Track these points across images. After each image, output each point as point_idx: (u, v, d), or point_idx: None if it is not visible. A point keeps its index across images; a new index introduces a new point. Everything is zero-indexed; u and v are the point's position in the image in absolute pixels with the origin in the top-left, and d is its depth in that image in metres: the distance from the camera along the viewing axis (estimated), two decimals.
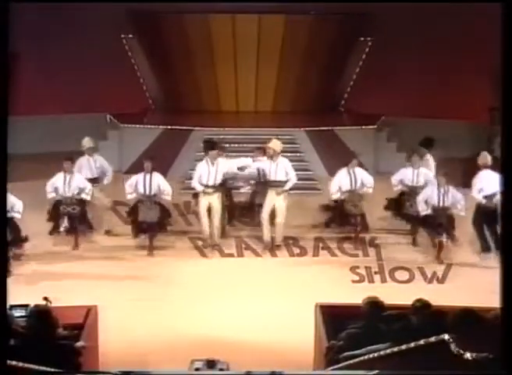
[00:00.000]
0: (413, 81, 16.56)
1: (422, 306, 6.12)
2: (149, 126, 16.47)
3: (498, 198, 10.30)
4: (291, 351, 8.00)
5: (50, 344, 5.95)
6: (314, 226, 12.31)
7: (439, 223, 10.88)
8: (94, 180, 11.80)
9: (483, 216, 10.83)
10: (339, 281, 10.12)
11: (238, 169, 11.63)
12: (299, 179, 12.00)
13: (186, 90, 17.57)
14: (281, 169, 11.42)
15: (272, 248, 11.46)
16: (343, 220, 11.72)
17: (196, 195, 11.62)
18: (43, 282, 9.90)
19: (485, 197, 10.75)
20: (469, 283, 9.96)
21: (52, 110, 16.75)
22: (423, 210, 10.95)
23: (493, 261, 9.69)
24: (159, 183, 11.26)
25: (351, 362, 5.77)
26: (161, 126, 16.12)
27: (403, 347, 5.26)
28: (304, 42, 16.77)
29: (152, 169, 11.28)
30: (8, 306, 5.81)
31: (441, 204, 10.82)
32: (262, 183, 11.67)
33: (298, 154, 14.86)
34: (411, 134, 15.93)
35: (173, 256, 11.31)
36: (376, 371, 5.08)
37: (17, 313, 6.50)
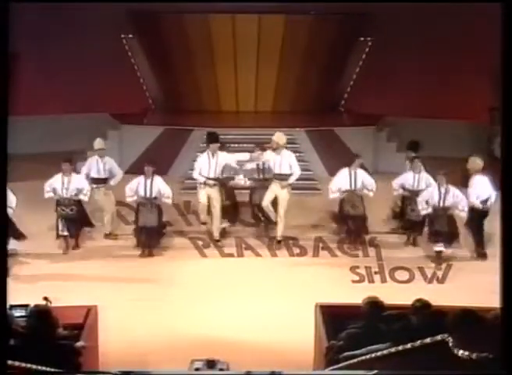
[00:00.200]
0: (413, 81, 16.57)
1: (422, 306, 6.12)
2: (149, 126, 16.48)
3: (492, 201, 10.37)
4: (291, 351, 8.00)
5: (50, 344, 5.95)
6: (314, 226, 12.32)
7: (437, 230, 10.83)
8: (102, 181, 11.82)
9: (478, 220, 10.87)
10: (339, 281, 10.12)
11: (238, 163, 11.72)
12: (299, 179, 12.00)
13: (186, 90, 17.57)
14: (285, 162, 11.53)
15: (273, 245, 11.51)
16: (340, 221, 11.70)
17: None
18: (43, 282, 9.90)
19: (481, 202, 10.75)
20: (469, 283, 9.97)
21: (52, 110, 16.75)
22: (423, 209, 10.93)
23: (493, 261, 9.77)
24: (159, 187, 11.28)
25: (351, 362, 5.77)
26: (161, 126, 16.13)
27: (403, 347, 5.26)
28: (304, 42, 16.78)
29: (153, 173, 11.30)
30: (8, 306, 5.80)
31: (441, 204, 10.81)
32: (262, 180, 11.74)
33: (298, 154, 14.81)
34: (411, 134, 15.96)
35: (173, 256, 11.32)
36: (376, 371, 5.08)
37: (17, 313, 6.50)
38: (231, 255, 11.27)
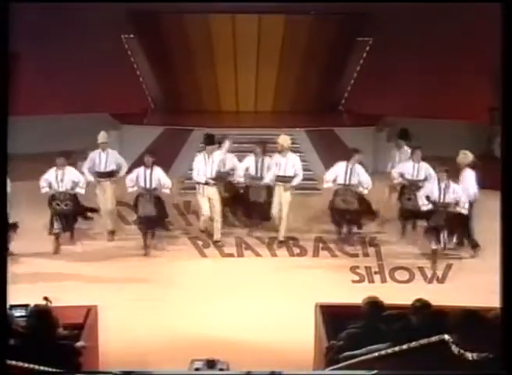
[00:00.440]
0: (413, 81, 16.58)
1: (422, 306, 6.12)
2: (149, 126, 16.48)
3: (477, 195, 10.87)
4: (291, 351, 8.00)
5: (50, 344, 5.95)
6: (314, 226, 12.33)
7: (435, 226, 10.80)
8: (106, 175, 11.82)
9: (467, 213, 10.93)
10: (339, 281, 10.12)
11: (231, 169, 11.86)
12: None
13: (186, 90, 17.58)
14: (289, 164, 11.66)
15: (275, 244, 11.54)
16: (332, 215, 11.64)
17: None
18: (43, 282, 9.90)
19: (469, 195, 10.85)
20: (469, 284, 9.97)
21: (52, 110, 16.76)
22: (423, 205, 10.89)
23: (493, 261, 9.75)
24: (159, 177, 11.32)
25: (351, 362, 5.77)
26: (161, 126, 16.13)
27: (403, 347, 5.26)
28: (304, 42, 16.79)
29: (153, 163, 11.32)
30: (8, 306, 5.80)
31: (441, 200, 10.79)
32: (259, 179, 11.81)
33: (298, 154, 14.81)
34: (411, 134, 15.96)
35: (173, 256, 11.32)
36: (376, 371, 5.08)
37: (17, 313, 6.49)
38: (231, 255, 11.27)
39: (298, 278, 10.38)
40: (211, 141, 11.73)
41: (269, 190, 11.83)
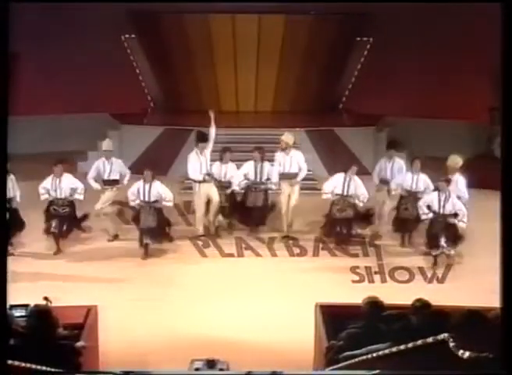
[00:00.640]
0: (413, 81, 16.57)
1: (422, 306, 6.12)
2: (149, 126, 16.48)
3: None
4: (291, 351, 8.00)
5: (50, 344, 5.95)
6: (314, 226, 12.32)
7: (435, 233, 10.75)
8: (111, 183, 11.81)
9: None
10: (339, 281, 10.12)
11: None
12: None
13: (186, 90, 17.58)
14: (294, 161, 11.94)
15: (276, 241, 11.66)
16: (329, 225, 11.61)
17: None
18: (43, 282, 9.90)
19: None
20: (469, 283, 9.97)
21: (52, 110, 16.76)
22: (424, 214, 10.88)
23: (493, 261, 9.74)
24: (159, 191, 11.27)
25: (351, 362, 5.77)
26: (161, 126, 16.13)
27: (403, 347, 5.27)
28: (304, 42, 16.78)
29: (152, 177, 11.29)
30: (8, 306, 5.80)
31: (441, 211, 10.77)
32: (259, 184, 11.88)
33: None
34: (411, 134, 15.98)
35: (173, 256, 11.33)
36: (376, 371, 5.09)
37: (17, 313, 6.50)
38: (231, 255, 11.26)
39: (298, 278, 10.38)
40: (202, 138, 11.88)
41: (266, 194, 11.98)
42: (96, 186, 11.77)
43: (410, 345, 5.20)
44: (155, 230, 11.20)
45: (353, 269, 10.38)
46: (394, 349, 5.39)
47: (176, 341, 8.38)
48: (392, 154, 12.11)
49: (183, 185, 13.86)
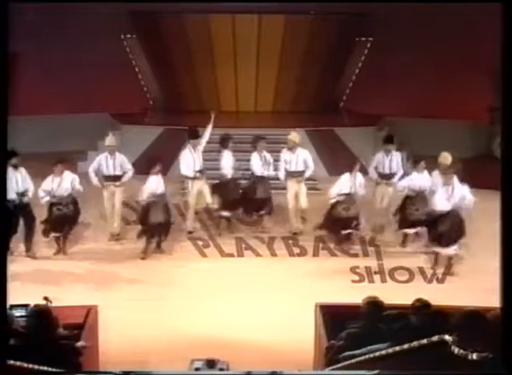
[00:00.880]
0: (413, 81, 16.56)
1: (422, 306, 6.12)
2: (149, 126, 16.48)
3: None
4: (291, 351, 8.01)
5: (50, 343, 5.95)
6: (314, 226, 12.33)
7: (442, 231, 10.67)
8: (113, 178, 11.79)
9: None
10: (339, 281, 10.13)
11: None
12: None
13: (186, 90, 17.58)
14: (300, 160, 12.09)
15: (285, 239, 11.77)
16: (333, 224, 11.61)
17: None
18: (43, 282, 9.90)
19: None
20: (469, 284, 9.97)
21: (52, 110, 16.75)
22: (444, 206, 10.62)
23: (493, 261, 9.74)
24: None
25: (351, 362, 5.77)
26: (161, 126, 16.12)
27: (403, 347, 5.27)
28: (304, 42, 16.78)
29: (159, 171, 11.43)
30: (8, 306, 5.81)
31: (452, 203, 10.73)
32: (259, 178, 12.04)
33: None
34: (411, 134, 15.97)
35: (173, 256, 11.33)
36: (376, 371, 5.09)
37: (17, 313, 6.50)
38: (231, 255, 11.27)
39: (298, 278, 10.38)
40: (194, 135, 12.07)
41: (268, 185, 12.23)
42: (95, 181, 11.74)
43: (410, 345, 5.20)
44: (163, 225, 11.21)
45: (353, 269, 10.38)
46: (394, 349, 5.39)
47: (176, 341, 8.38)
48: (389, 148, 12.10)
49: (182, 185, 13.83)
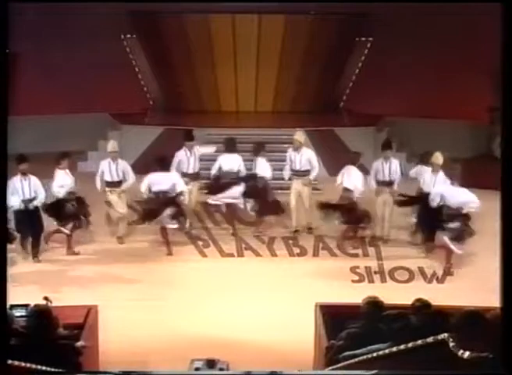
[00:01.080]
0: (413, 81, 16.57)
1: (422, 306, 6.12)
2: (149, 126, 16.48)
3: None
4: (291, 351, 8.01)
5: (50, 343, 5.96)
6: (314, 226, 12.35)
7: (453, 228, 10.61)
8: (115, 184, 11.80)
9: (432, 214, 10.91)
10: (339, 281, 10.12)
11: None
12: None
13: (186, 90, 17.58)
14: (305, 159, 12.19)
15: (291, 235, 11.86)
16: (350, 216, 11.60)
17: None
18: (43, 282, 9.91)
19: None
20: (469, 283, 9.97)
21: (52, 110, 16.75)
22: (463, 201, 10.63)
23: (493, 261, 9.75)
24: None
25: (351, 361, 5.77)
26: (161, 126, 16.13)
27: (403, 347, 5.27)
28: (304, 42, 16.78)
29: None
30: (8, 306, 5.81)
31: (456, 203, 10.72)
32: (251, 179, 12.11)
33: None
34: (411, 134, 15.98)
35: (173, 256, 11.33)
36: (376, 371, 5.09)
37: (17, 313, 6.50)
38: (231, 255, 11.25)
39: (298, 278, 10.38)
40: (189, 138, 12.38)
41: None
42: (98, 186, 11.77)
43: (410, 345, 5.20)
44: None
45: (353, 269, 10.36)
46: (394, 349, 5.39)
47: (176, 341, 8.38)
48: (387, 154, 12.08)
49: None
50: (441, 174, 11.22)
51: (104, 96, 16.71)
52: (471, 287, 9.78)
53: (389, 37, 16.35)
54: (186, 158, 12.20)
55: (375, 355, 5.58)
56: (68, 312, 6.89)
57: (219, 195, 12.07)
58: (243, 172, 12.22)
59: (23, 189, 10.83)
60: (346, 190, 11.54)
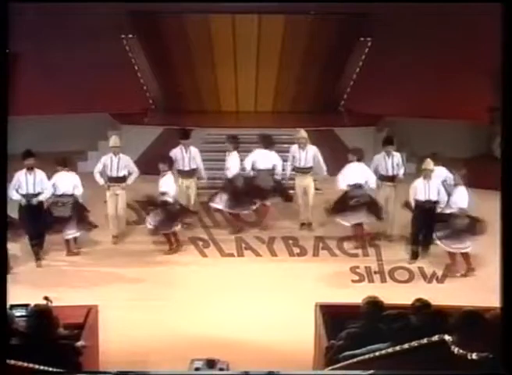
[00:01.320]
0: (413, 81, 16.55)
1: (422, 306, 6.13)
2: (149, 126, 16.48)
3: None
4: (291, 351, 8.01)
5: (50, 343, 5.96)
6: (315, 226, 12.35)
7: (459, 230, 10.54)
8: (117, 180, 11.78)
9: (426, 218, 10.84)
10: (339, 281, 10.12)
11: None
12: None
13: (186, 90, 17.57)
14: (310, 156, 12.48)
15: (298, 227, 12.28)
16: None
17: None
18: (43, 281, 9.90)
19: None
20: (469, 283, 9.97)
21: (52, 110, 16.74)
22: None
23: (493, 261, 9.76)
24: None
25: (351, 361, 5.77)
26: (161, 126, 16.12)
27: (403, 347, 5.27)
28: (304, 42, 16.77)
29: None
30: (8, 306, 5.81)
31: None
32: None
33: None
34: (411, 134, 15.97)
35: (173, 256, 11.32)
36: (375, 371, 5.09)
37: (17, 313, 6.50)
38: (231, 255, 11.26)
39: (298, 278, 10.38)
40: (185, 136, 12.52)
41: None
42: (101, 181, 11.76)
43: (410, 345, 5.20)
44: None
45: (353, 269, 10.37)
46: (394, 349, 5.39)
47: (176, 341, 8.38)
48: (389, 149, 12.04)
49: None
50: (434, 180, 11.04)
51: (104, 96, 16.70)
52: (471, 287, 9.78)
53: (389, 37, 16.33)
54: (182, 156, 12.30)
55: (375, 355, 5.58)
56: (68, 312, 6.89)
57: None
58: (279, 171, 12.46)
59: (27, 184, 10.80)
60: (355, 187, 11.48)
